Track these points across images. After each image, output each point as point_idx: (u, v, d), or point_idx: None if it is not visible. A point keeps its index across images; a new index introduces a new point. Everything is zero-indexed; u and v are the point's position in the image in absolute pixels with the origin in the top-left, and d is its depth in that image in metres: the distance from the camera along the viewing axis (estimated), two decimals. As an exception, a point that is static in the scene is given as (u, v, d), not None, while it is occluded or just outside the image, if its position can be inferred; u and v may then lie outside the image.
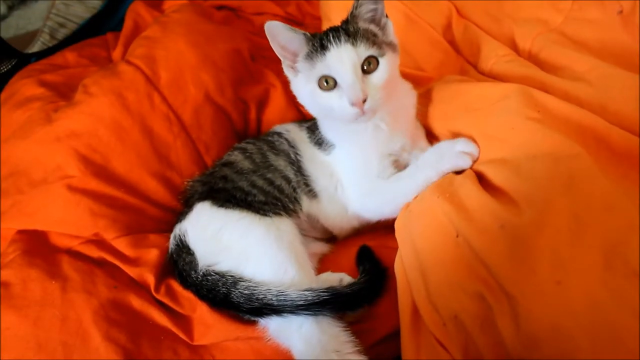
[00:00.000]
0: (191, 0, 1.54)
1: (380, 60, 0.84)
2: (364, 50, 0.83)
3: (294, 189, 0.96)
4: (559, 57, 0.97)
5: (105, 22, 1.67)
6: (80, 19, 1.62)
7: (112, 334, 0.80)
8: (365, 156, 0.94)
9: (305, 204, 0.97)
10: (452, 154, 0.85)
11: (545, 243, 0.64)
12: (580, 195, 0.66)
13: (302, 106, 1.27)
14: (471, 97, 0.95)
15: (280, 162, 0.99)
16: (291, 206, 0.95)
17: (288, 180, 0.97)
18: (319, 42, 0.84)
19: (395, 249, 0.88)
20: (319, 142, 0.99)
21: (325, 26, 1.50)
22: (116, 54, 1.42)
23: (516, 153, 0.76)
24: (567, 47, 0.97)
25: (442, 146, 0.88)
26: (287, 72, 0.92)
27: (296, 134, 1.05)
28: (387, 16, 0.90)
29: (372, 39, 0.85)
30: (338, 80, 0.83)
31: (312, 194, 0.98)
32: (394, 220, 0.91)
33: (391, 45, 0.89)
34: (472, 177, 0.81)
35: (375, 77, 0.84)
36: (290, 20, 1.74)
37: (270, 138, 1.05)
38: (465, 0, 1.23)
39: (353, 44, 0.82)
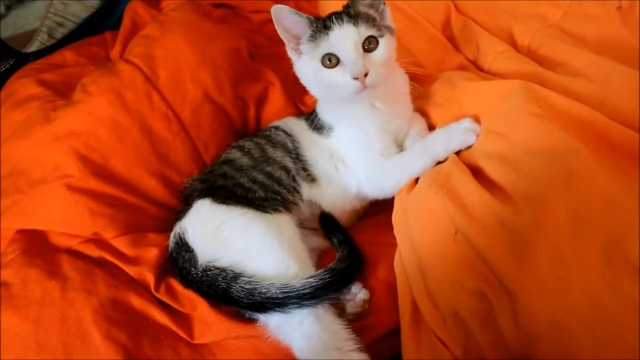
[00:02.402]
0: (189, -1, 1.54)
1: (380, 40, 0.89)
2: (364, 30, 0.88)
3: (294, 178, 0.98)
4: (558, 52, 0.96)
5: (104, 21, 1.66)
6: (79, 18, 1.62)
7: (112, 333, 0.80)
8: (367, 134, 0.97)
9: (305, 190, 0.98)
10: (461, 131, 0.89)
11: (545, 239, 0.64)
12: (580, 191, 0.66)
13: (300, 104, 1.27)
14: (474, 93, 0.95)
15: (277, 154, 1.00)
16: (290, 197, 0.96)
17: (287, 169, 0.98)
18: (322, 23, 0.89)
19: (388, 244, 0.89)
20: (318, 127, 1.02)
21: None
22: (114, 52, 1.42)
23: (516, 149, 0.76)
24: (566, 42, 0.97)
25: (450, 126, 0.92)
26: (291, 54, 0.95)
27: (294, 123, 1.07)
28: (384, 3, 0.95)
29: (371, 21, 0.90)
30: (341, 58, 0.87)
31: (310, 178, 0.99)
32: (392, 204, 0.92)
33: (389, 29, 0.94)
34: (468, 172, 0.81)
35: (376, 55, 0.89)
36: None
37: (267, 132, 1.06)
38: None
39: (354, 24, 0.88)
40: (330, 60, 0.88)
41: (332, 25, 0.87)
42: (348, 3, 0.92)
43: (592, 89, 0.82)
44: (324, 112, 1.02)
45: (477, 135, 0.87)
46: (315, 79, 0.92)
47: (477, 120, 0.90)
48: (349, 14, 0.89)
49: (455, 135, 0.89)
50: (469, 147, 0.88)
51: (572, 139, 0.71)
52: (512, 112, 0.81)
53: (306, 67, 0.92)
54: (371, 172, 0.97)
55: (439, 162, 0.90)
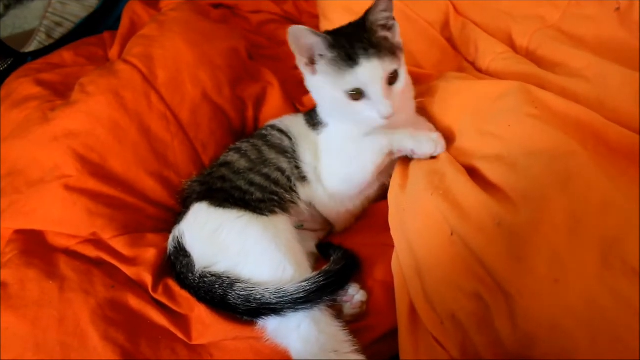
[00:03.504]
0: (188, -1, 1.53)
1: (399, 70, 0.89)
2: (389, 65, 0.87)
3: (289, 178, 0.97)
4: (557, 53, 0.97)
5: (102, 21, 1.66)
6: (77, 18, 1.62)
7: (110, 333, 0.80)
8: (355, 135, 0.95)
9: (301, 190, 0.98)
10: (428, 138, 0.90)
11: (543, 241, 0.64)
12: (578, 192, 0.66)
13: (299, 104, 1.27)
14: (471, 94, 0.95)
15: (273, 155, 0.99)
16: (288, 197, 0.95)
17: (282, 170, 0.98)
18: (345, 52, 0.86)
19: (386, 245, 0.88)
20: (315, 124, 1.01)
21: (323, 24, 1.50)
22: (113, 52, 1.42)
23: (513, 150, 0.76)
24: (564, 43, 0.97)
25: (422, 132, 0.93)
26: (304, 69, 0.93)
27: (290, 120, 1.07)
28: (393, 18, 0.93)
29: (389, 47, 0.89)
30: (368, 94, 0.86)
31: (302, 177, 0.99)
32: (387, 211, 0.92)
33: (399, 48, 0.92)
34: (464, 172, 0.81)
35: (397, 87, 0.89)
36: (287, 19, 1.74)
37: (263, 132, 1.06)
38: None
39: (379, 57, 0.86)
40: (357, 94, 0.87)
41: (357, 59, 0.85)
42: (364, 24, 0.88)
43: (590, 90, 0.82)
44: (324, 115, 1.00)
45: (438, 149, 0.89)
46: (334, 104, 0.91)
47: (464, 122, 0.91)
48: (371, 43, 0.86)
49: (421, 139, 0.90)
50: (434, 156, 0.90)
51: (570, 140, 0.71)
52: (508, 113, 0.81)
53: (324, 89, 0.91)
54: (333, 161, 0.97)
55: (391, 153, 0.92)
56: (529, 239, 0.65)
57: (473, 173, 0.81)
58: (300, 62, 0.91)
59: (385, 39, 0.90)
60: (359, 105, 0.88)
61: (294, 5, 1.76)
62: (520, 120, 0.78)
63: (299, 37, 0.86)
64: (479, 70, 1.11)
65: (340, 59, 0.86)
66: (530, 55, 1.03)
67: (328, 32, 0.91)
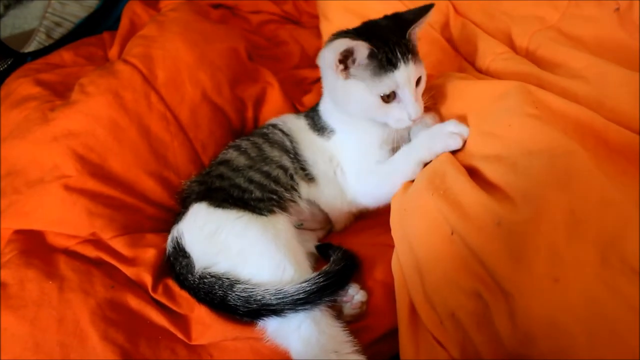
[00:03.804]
0: (188, -1, 1.54)
1: (422, 73, 0.93)
2: (418, 69, 0.91)
3: (291, 177, 0.98)
4: (556, 54, 0.96)
5: (102, 21, 1.66)
6: (77, 18, 1.62)
7: (109, 333, 0.80)
8: (368, 144, 0.98)
9: (304, 189, 0.98)
10: (444, 135, 0.88)
11: (542, 240, 0.64)
12: (577, 191, 0.66)
13: (299, 104, 1.27)
14: (471, 94, 0.95)
15: (275, 153, 1.00)
16: (288, 195, 0.95)
17: (284, 168, 0.98)
18: (386, 56, 0.87)
19: (386, 245, 0.89)
20: (320, 129, 1.02)
21: (323, 25, 1.51)
22: (113, 53, 1.42)
23: (513, 150, 0.76)
24: (564, 44, 0.97)
25: (434, 129, 0.92)
26: (335, 75, 0.92)
27: (292, 123, 1.07)
28: None
29: (417, 52, 0.93)
30: (401, 96, 0.90)
31: (309, 177, 1.00)
32: (387, 211, 0.92)
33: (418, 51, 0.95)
34: (464, 172, 0.81)
35: (420, 88, 0.94)
36: (287, 19, 1.74)
37: (264, 130, 1.06)
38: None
39: (414, 62, 0.90)
40: (388, 96, 0.89)
41: (397, 62, 0.87)
42: (403, 31, 0.90)
43: (589, 91, 0.82)
44: (328, 116, 1.02)
45: (463, 138, 0.87)
46: (364, 106, 0.92)
47: (464, 121, 0.90)
48: (408, 48, 0.89)
49: (437, 139, 0.89)
50: (459, 149, 0.87)
51: (569, 139, 0.71)
52: (508, 112, 0.81)
53: (356, 93, 0.91)
54: (362, 181, 0.98)
55: (426, 163, 0.91)
56: (528, 238, 0.65)
57: (473, 173, 0.81)
58: (336, 69, 0.90)
59: (414, 44, 0.93)
60: (390, 107, 0.91)
61: (294, 5, 1.76)
62: (520, 120, 0.78)
63: (338, 48, 0.86)
64: (479, 71, 1.11)
65: (380, 64, 0.88)
66: (530, 56, 1.03)
67: (361, 30, 0.93)
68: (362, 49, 0.86)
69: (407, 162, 0.92)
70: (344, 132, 1.00)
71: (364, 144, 0.98)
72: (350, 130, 0.99)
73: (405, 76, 0.88)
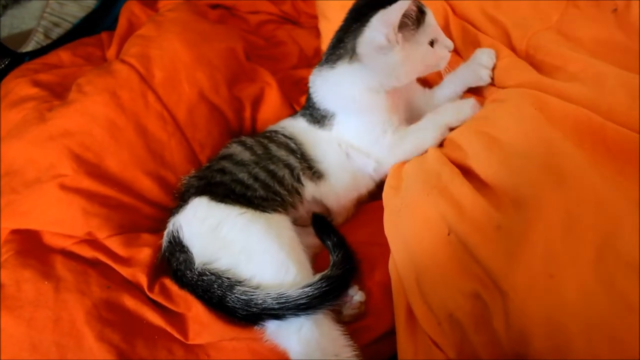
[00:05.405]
0: (186, -1, 1.53)
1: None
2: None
3: (298, 177, 0.96)
4: (555, 56, 0.96)
5: (100, 21, 1.66)
6: (75, 18, 1.62)
7: (105, 334, 0.79)
8: (381, 117, 0.98)
9: (309, 189, 0.97)
10: (470, 104, 0.96)
11: (538, 238, 0.64)
12: (572, 190, 0.66)
13: (297, 104, 1.27)
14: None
15: (282, 152, 0.98)
16: (290, 199, 0.94)
17: (291, 168, 0.97)
18: (417, 7, 0.92)
19: (385, 245, 0.88)
20: (320, 120, 1.01)
21: (322, 25, 1.51)
22: (111, 53, 1.41)
23: (507, 149, 0.76)
24: (562, 45, 0.97)
25: (458, 102, 1.00)
26: (386, 48, 0.91)
27: (292, 126, 1.06)
28: None
29: None
30: (437, 37, 0.96)
31: (317, 175, 0.98)
32: None
33: None
34: (458, 173, 0.81)
35: None
36: (286, 19, 1.74)
37: (267, 134, 1.05)
38: (460, 0, 1.23)
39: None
40: (432, 41, 0.95)
41: (424, 8, 0.93)
42: None
43: (586, 92, 0.82)
44: (325, 99, 1.00)
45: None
46: (421, 62, 0.96)
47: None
48: None
49: (464, 107, 0.95)
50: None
51: (565, 139, 0.72)
52: (505, 113, 0.82)
53: (417, 51, 0.93)
54: (386, 145, 0.99)
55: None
56: (524, 236, 0.66)
57: (468, 173, 0.81)
58: (395, 37, 0.90)
59: None
60: (437, 50, 0.96)
61: (292, 5, 1.76)
62: (517, 121, 0.79)
63: (404, 10, 0.86)
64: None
65: (418, 18, 0.91)
66: (529, 58, 1.03)
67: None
68: (412, 6, 0.88)
69: (433, 126, 0.96)
70: (346, 113, 0.99)
71: (378, 119, 0.98)
72: (353, 110, 0.99)
73: (433, 17, 0.94)
